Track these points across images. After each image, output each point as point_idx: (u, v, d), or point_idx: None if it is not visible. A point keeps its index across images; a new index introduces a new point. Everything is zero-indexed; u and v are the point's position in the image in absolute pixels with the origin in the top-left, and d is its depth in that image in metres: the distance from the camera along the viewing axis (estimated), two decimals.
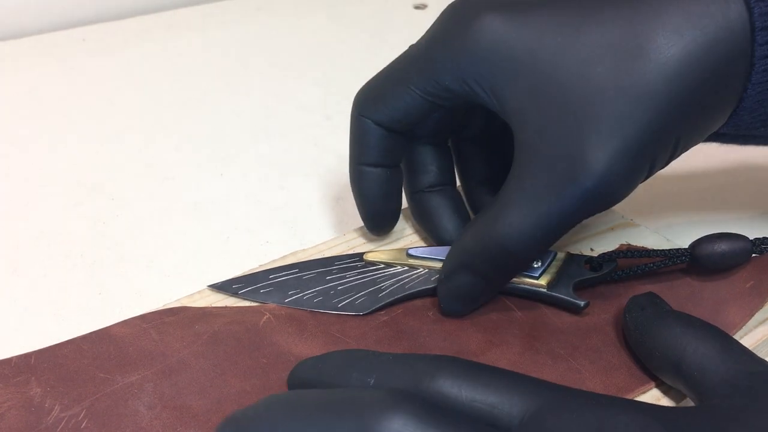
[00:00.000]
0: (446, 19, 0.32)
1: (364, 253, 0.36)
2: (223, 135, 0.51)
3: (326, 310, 0.34)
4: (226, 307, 0.34)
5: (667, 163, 0.31)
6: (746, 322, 0.33)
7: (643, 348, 0.30)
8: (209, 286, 0.35)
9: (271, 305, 0.34)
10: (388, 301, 0.34)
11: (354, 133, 0.36)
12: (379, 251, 0.36)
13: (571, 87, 0.29)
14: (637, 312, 0.31)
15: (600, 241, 0.38)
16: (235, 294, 0.34)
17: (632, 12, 0.29)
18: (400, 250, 0.36)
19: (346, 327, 0.33)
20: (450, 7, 0.33)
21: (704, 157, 0.48)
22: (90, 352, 0.31)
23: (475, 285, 0.32)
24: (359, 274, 0.35)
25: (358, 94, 0.36)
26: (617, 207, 0.40)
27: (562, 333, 0.33)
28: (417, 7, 0.73)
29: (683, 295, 0.35)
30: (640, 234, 0.39)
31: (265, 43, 0.65)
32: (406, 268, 0.35)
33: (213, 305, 0.34)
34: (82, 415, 0.28)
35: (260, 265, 0.36)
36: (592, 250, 0.37)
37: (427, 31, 0.33)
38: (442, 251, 0.35)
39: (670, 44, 0.29)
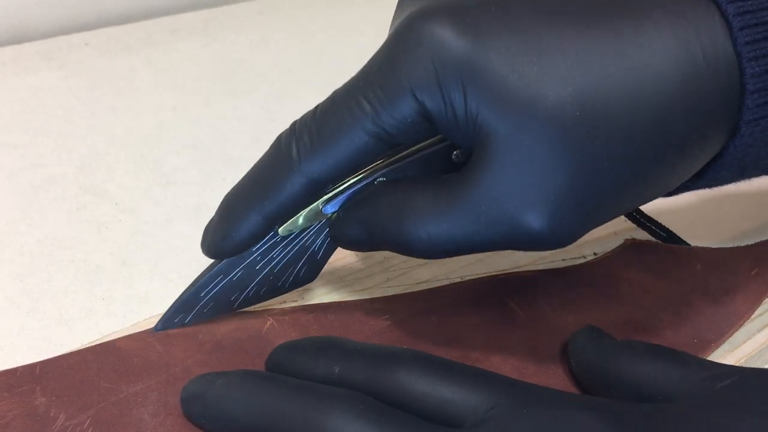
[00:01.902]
0: (403, 30, 0.28)
1: (276, 228, 0.32)
2: (226, 139, 0.51)
3: (278, 295, 0.33)
4: (229, 313, 0.34)
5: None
6: (753, 312, 0.33)
7: (599, 386, 0.29)
8: (155, 329, 0.32)
9: (275, 310, 0.34)
10: (328, 257, 0.33)
11: (270, 180, 0.29)
12: (291, 221, 0.31)
13: (540, 122, 0.26)
14: (580, 352, 0.30)
15: (603, 245, 0.38)
16: (183, 325, 0.33)
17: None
18: (310, 210, 0.31)
19: (349, 332, 0.33)
20: (406, 19, 0.28)
21: None
22: (95, 363, 0.31)
23: (363, 243, 0.31)
24: (284, 249, 0.32)
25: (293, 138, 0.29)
26: None
27: (564, 335, 0.33)
28: None
29: (689, 286, 0.35)
30: (643, 238, 0.39)
31: (267, 48, 0.65)
32: (326, 221, 0.32)
33: None
34: (87, 423, 0.28)
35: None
36: (595, 254, 0.38)
37: (370, 62, 0.30)
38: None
39: (644, 84, 0.26)
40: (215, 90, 0.58)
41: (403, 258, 0.37)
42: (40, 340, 0.34)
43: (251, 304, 0.33)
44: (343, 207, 0.31)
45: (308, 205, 0.30)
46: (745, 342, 0.33)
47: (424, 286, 0.36)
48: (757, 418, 0.24)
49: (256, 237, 0.30)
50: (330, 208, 0.31)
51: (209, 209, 0.44)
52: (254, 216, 0.30)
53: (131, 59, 0.62)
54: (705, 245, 0.38)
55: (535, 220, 0.26)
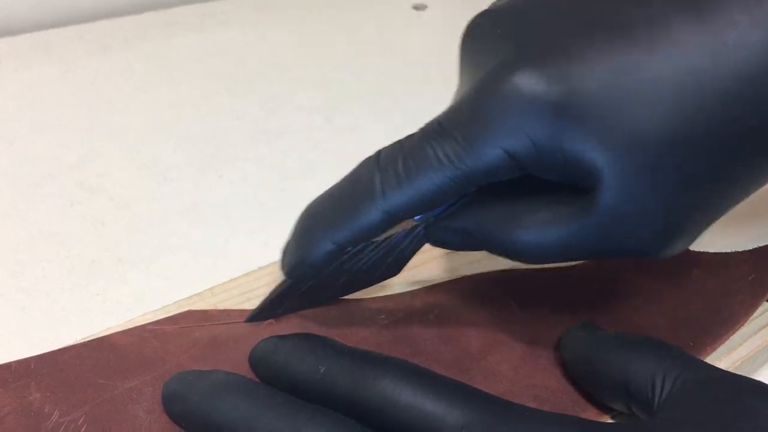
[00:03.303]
0: (488, 87, 0.27)
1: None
2: (223, 136, 0.51)
3: (363, 288, 0.34)
4: (226, 309, 0.34)
5: None
6: (750, 316, 0.33)
7: (589, 379, 0.30)
8: (247, 320, 0.33)
9: None
10: (415, 253, 0.33)
11: (348, 209, 0.30)
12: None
13: (644, 156, 0.26)
14: (574, 344, 0.31)
15: None
16: (271, 317, 0.33)
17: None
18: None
19: (347, 329, 0.33)
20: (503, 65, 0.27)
21: None
22: (90, 359, 0.31)
23: (462, 247, 0.31)
24: (373, 250, 0.32)
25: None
26: None
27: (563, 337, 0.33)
28: (416, 8, 0.73)
29: (686, 290, 0.35)
30: None
31: (264, 44, 0.65)
32: (414, 224, 0.32)
33: (216, 307, 0.34)
34: (81, 420, 0.28)
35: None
36: None
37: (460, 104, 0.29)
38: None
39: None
40: (212, 86, 0.58)
41: None
42: (35, 337, 0.34)
43: (337, 297, 0.34)
44: (441, 216, 0.31)
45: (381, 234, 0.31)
46: (740, 345, 0.33)
47: (424, 285, 0.36)
48: None
49: (330, 261, 0.31)
50: (422, 217, 0.31)
51: (205, 206, 0.44)
52: (328, 243, 0.30)
53: (127, 53, 0.62)
54: (703, 249, 0.38)
55: (648, 239, 0.27)
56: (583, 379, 0.30)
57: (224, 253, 0.40)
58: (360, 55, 0.63)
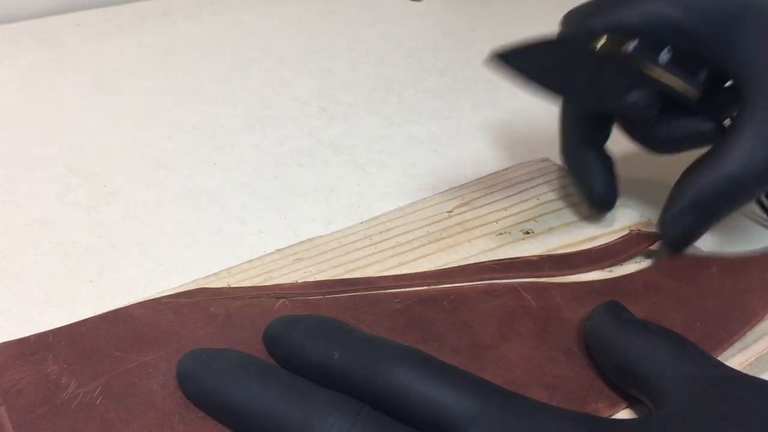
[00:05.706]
0: None
1: None
2: (217, 124, 0.51)
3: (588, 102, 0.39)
4: (240, 287, 0.34)
5: None
6: (767, 313, 0.33)
7: (602, 357, 0.30)
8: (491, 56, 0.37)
9: (287, 285, 0.34)
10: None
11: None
12: None
13: None
14: (595, 321, 0.31)
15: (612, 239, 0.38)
16: (519, 65, 0.37)
17: None
18: None
19: (360, 313, 0.32)
20: None
21: None
22: (107, 332, 0.31)
23: (700, 224, 0.35)
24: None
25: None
26: (635, 205, 0.41)
27: (576, 328, 0.32)
28: None
29: (703, 288, 0.34)
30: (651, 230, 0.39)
31: (260, 33, 0.65)
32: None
33: (230, 286, 0.34)
34: (97, 392, 0.28)
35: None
36: None
37: None
38: None
39: None
40: (207, 74, 0.57)
41: (416, 244, 0.38)
42: (27, 323, 0.33)
43: (563, 96, 0.39)
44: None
45: None
46: (755, 342, 0.32)
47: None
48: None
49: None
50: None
51: (199, 194, 0.43)
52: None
53: (123, 41, 0.62)
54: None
55: None
56: (597, 356, 0.30)
57: (218, 241, 0.40)
58: (356, 45, 0.63)
